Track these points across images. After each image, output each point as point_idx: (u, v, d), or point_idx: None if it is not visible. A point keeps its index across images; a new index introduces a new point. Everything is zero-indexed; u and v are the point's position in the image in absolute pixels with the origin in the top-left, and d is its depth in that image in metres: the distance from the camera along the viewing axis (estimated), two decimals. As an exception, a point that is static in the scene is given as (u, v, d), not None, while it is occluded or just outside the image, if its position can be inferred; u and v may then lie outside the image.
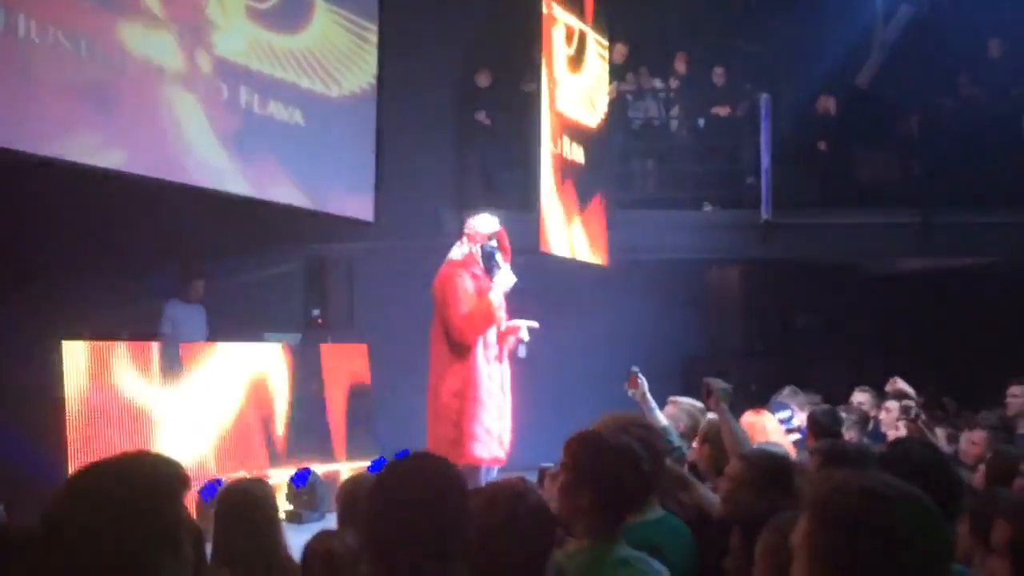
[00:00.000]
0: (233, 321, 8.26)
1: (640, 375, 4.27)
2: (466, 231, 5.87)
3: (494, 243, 5.83)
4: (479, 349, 5.71)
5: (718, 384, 3.61)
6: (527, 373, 7.68)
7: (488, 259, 5.76)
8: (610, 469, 2.25)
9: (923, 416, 5.16)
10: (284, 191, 8.43)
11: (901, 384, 5.66)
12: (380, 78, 9.60)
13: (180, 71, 7.40)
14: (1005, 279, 10.11)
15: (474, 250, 5.79)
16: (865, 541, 1.38)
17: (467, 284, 5.68)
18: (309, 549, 2.48)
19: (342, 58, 9.31)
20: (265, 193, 8.22)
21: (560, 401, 8.89)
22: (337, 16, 9.10)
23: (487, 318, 5.65)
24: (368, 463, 8.02)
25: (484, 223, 5.88)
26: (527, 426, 7.42)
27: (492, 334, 5.85)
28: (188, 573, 1.47)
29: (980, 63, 10.60)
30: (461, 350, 5.64)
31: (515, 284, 5.78)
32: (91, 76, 6.67)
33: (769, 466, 2.69)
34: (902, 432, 5.07)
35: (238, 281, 8.98)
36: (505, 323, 5.89)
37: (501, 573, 1.88)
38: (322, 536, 2.45)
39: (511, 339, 5.95)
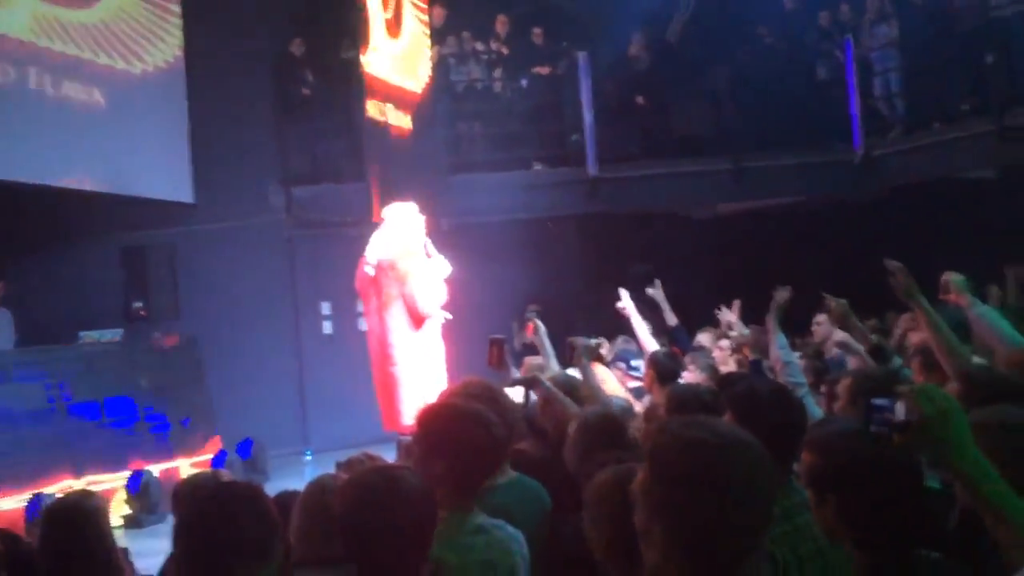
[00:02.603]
0: (45, 322, 7.64)
1: (537, 319, 4.35)
2: (399, 217, 6.64)
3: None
4: (430, 325, 6.58)
5: (581, 341, 3.66)
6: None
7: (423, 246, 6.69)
8: (461, 435, 2.23)
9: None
10: (88, 178, 7.83)
11: (728, 315, 5.93)
12: (187, 51, 9.06)
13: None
14: (811, 215, 10.84)
15: (416, 237, 6.63)
16: (699, 492, 1.40)
17: (423, 266, 6.53)
18: None
19: (142, 31, 8.70)
20: (65, 181, 7.60)
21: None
22: (132, -14, 8.49)
23: (442, 298, 6.64)
24: (210, 457, 7.70)
25: (413, 212, 6.72)
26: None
27: None
28: None
29: (776, 15, 11.21)
30: (420, 326, 6.49)
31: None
32: None
33: (600, 425, 2.74)
34: (732, 367, 5.31)
35: (47, 279, 8.30)
36: None
37: (384, 559, 1.86)
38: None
39: None
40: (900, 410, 1.66)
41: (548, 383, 3.54)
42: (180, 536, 1.82)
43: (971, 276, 3.59)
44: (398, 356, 6.46)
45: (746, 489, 1.42)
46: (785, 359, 3.91)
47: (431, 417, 2.33)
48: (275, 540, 1.83)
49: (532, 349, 5.52)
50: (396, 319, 6.46)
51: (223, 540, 1.77)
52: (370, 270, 6.52)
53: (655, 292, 6.30)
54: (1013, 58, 8.99)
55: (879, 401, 1.64)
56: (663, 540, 1.43)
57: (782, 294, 4.30)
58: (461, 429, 2.24)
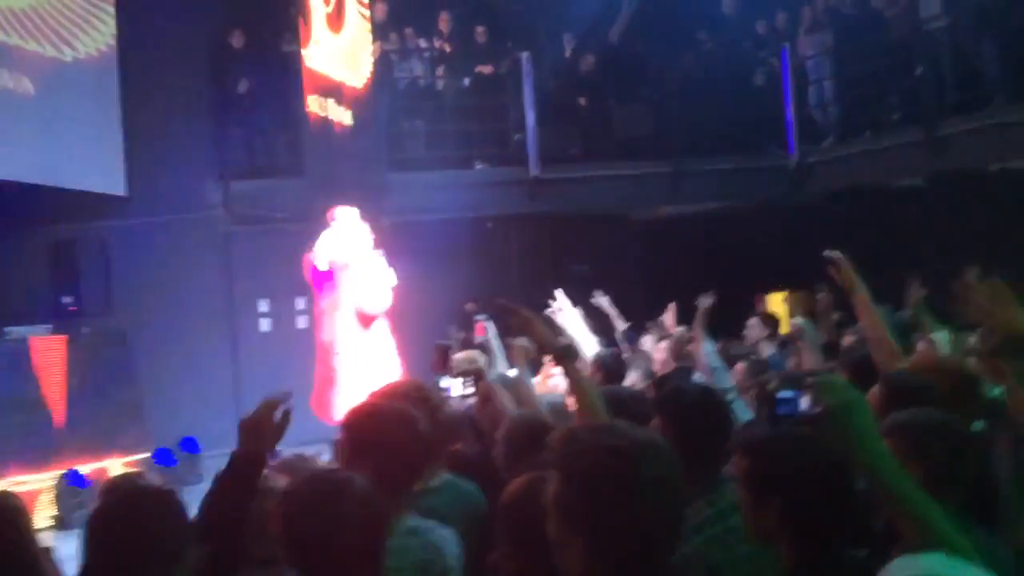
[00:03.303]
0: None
1: (487, 320, 4.35)
2: (351, 220, 6.83)
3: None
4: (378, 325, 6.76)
5: (519, 342, 3.67)
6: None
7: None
8: (385, 435, 2.20)
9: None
10: (15, 168, 7.58)
11: (666, 319, 6.02)
12: (121, 39, 8.83)
13: None
14: (747, 219, 11.04)
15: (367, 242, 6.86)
16: (618, 497, 1.40)
17: (374, 272, 6.73)
18: None
19: (74, 18, 8.46)
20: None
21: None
22: (63, -28, 8.24)
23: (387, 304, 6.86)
24: (145, 455, 7.55)
25: (358, 217, 6.95)
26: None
27: None
28: None
29: (715, 20, 11.39)
30: (368, 325, 6.68)
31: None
32: None
33: (525, 429, 2.75)
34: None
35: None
36: None
37: (333, 569, 1.77)
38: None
39: None
40: (804, 402, 1.70)
41: (493, 378, 3.55)
42: (88, 539, 1.81)
43: (894, 279, 3.80)
44: (343, 354, 6.59)
45: (663, 491, 1.43)
46: (712, 364, 3.99)
47: (355, 418, 2.31)
48: (185, 545, 1.82)
49: (466, 348, 5.57)
50: (345, 318, 6.61)
51: (130, 544, 1.76)
52: (322, 265, 6.58)
53: (600, 301, 6.37)
54: (942, 70, 9.29)
55: (784, 394, 1.68)
56: (585, 551, 1.41)
57: (706, 301, 4.41)
58: (385, 429, 2.21)
